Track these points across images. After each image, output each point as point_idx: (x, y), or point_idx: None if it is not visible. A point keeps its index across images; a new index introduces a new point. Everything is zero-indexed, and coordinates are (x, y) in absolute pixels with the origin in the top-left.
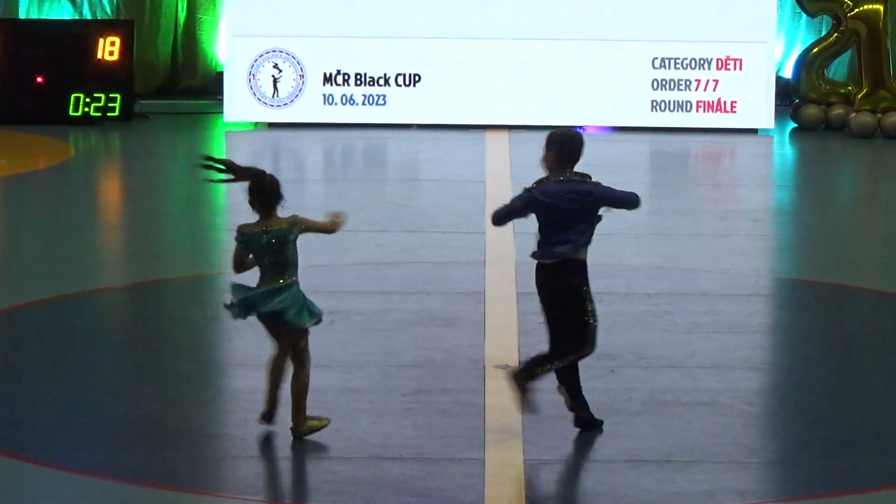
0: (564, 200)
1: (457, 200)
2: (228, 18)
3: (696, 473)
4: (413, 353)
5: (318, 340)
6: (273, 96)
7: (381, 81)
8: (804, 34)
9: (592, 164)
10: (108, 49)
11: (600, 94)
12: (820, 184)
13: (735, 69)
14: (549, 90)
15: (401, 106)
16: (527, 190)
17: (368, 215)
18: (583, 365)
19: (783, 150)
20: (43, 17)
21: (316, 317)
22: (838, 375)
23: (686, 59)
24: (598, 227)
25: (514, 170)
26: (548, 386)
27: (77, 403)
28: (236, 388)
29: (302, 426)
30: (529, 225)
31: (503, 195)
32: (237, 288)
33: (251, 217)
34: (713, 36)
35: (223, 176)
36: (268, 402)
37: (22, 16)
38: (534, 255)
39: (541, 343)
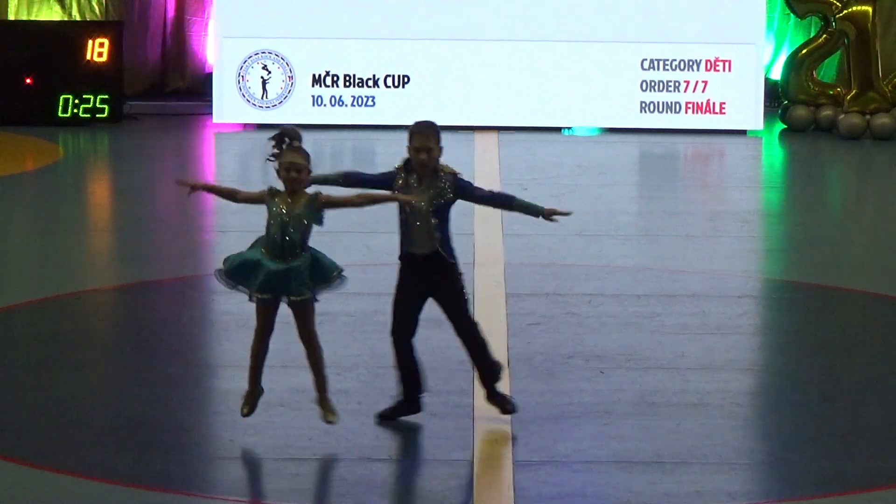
0: None
1: None
2: (217, 20)
3: (685, 475)
4: None
5: None
6: (262, 98)
7: (370, 83)
8: (793, 35)
9: (582, 165)
10: (97, 50)
11: (589, 96)
12: (809, 185)
13: (724, 70)
14: (538, 91)
15: (390, 107)
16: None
17: (357, 216)
18: (572, 367)
19: (772, 152)
20: (32, 18)
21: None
22: (827, 376)
23: (675, 60)
24: (586, 228)
25: (502, 171)
26: (538, 388)
27: (66, 405)
28: (225, 390)
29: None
30: (518, 226)
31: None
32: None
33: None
34: (702, 37)
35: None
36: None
37: (10, 17)
38: (448, 252)
39: (530, 344)
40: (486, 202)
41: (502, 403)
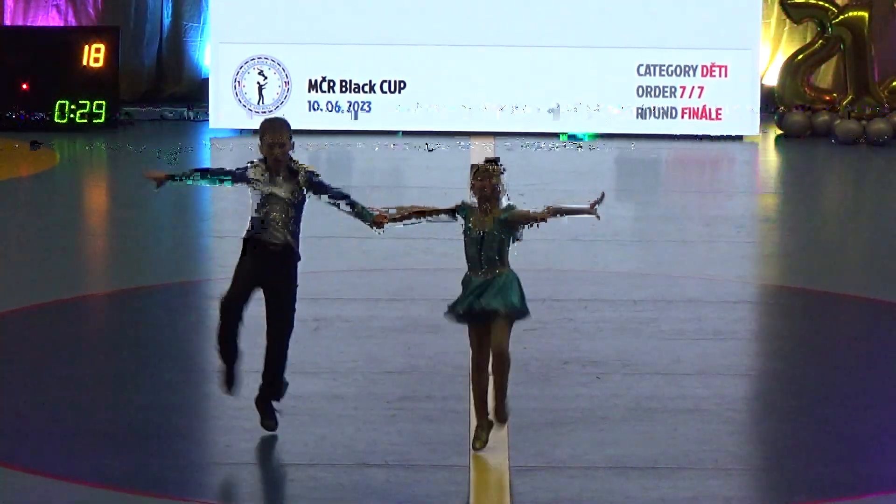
0: None
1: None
2: (213, 25)
3: (681, 480)
4: (398, 359)
5: (303, 347)
6: (258, 103)
7: (367, 88)
8: (788, 41)
9: (579, 171)
10: (94, 56)
11: (586, 101)
12: (805, 190)
13: (720, 76)
14: (535, 97)
15: (386, 113)
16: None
17: (353, 222)
18: (569, 372)
19: (768, 157)
20: (28, 23)
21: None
22: (823, 382)
23: (671, 66)
24: (582, 234)
25: None
26: (535, 393)
27: (62, 410)
28: (221, 395)
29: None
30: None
31: None
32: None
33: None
34: (698, 43)
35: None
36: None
37: (7, 23)
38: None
39: (526, 349)
40: (335, 197)
41: (267, 415)
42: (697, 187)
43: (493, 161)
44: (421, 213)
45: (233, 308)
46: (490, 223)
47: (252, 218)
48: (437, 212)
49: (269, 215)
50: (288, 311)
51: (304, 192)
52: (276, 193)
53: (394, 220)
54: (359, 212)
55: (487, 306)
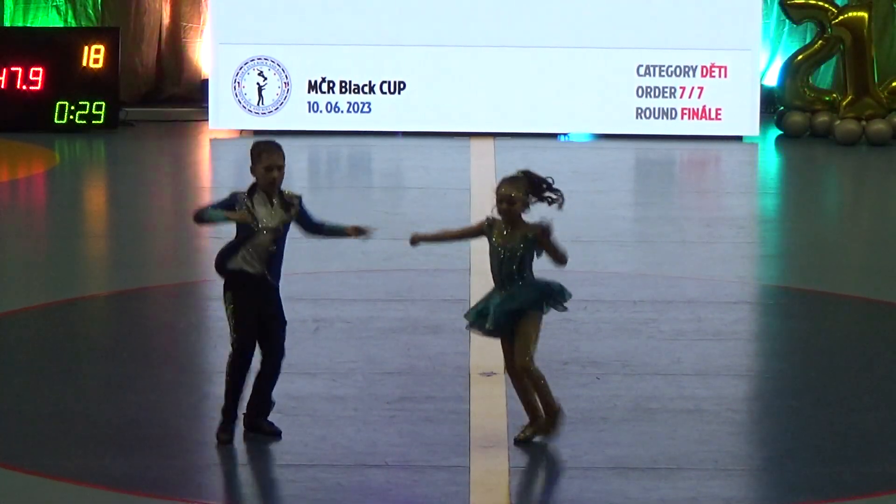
0: None
1: (441, 208)
2: (213, 26)
3: (681, 480)
4: (398, 360)
5: (303, 348)
6: (258, 104)
7: (366, 89)
8: (788, 41)
9: (578, 171)
10: (93, 57)
11: (585, 102)
12: (805, 191)
13: (720, 76)
14: (534, 97)
15: (386, 113)
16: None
17: (353, 223)
18: (569, 373)
19: (768, 158)
20: (28, 24)
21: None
22: (823, 382)
23: (671, 66)
24: (582, 234)
25: (498, 177)
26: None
27: (62, 411)
28: (221, 396)
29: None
30: None
31: (488, 202)
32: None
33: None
34: (698, 43)
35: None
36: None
37: (6, 23)
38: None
39: None
40: (313, 230)
41: (267, 429)
42: (697, 188)
43: (519, 178)
44: (452, 237)
45: (249, 352)
46: (513, 240)
47: (236, 246)
48: (467, 234)
49: (252, 245)
50: (279, 339)
51: (290, 222)
52: (261, 227)
53: (426, 239)
54: (334, 232)
55: (508, 309)
